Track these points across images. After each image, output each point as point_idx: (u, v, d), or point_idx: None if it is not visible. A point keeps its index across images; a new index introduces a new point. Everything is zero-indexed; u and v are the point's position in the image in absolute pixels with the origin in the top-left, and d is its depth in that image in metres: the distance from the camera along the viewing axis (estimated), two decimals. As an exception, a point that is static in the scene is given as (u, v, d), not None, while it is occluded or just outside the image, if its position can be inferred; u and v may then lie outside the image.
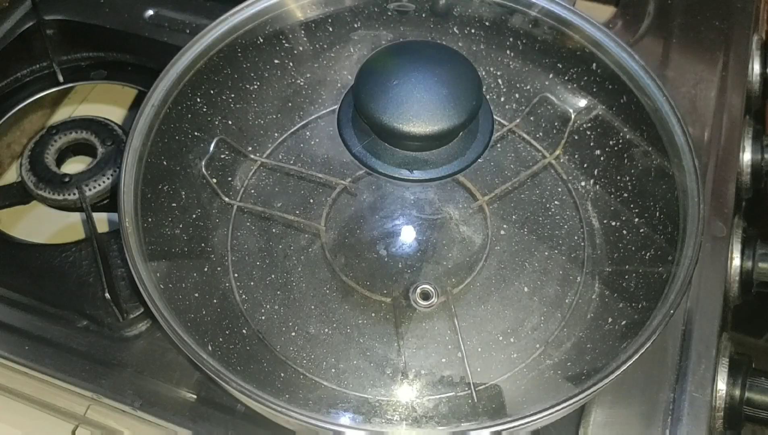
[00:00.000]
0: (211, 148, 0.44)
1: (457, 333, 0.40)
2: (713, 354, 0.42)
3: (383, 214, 0.43)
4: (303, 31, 0.47)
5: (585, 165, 0.46)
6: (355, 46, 0.48)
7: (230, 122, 0.47)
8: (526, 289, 0.42)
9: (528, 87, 0.47)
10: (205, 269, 0.43)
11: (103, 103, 0.61)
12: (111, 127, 0.55)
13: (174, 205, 0.43)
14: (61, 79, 0.59)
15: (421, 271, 0.42)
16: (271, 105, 0.48)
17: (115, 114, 0.58)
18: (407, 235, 0.43)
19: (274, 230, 0.45)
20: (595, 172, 0.45)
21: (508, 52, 0.47)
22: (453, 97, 0.34)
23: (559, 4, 0.44)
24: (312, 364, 0.41)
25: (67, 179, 0.52)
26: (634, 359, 0.34)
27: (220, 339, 0.39)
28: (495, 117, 0.39)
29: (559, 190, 0.45)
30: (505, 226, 0.44)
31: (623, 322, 0.39)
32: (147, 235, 0.39)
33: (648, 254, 0.41)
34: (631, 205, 0.44)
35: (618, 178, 0.44)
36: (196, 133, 0.45)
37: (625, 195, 0.44)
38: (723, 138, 0.52)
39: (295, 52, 0.48)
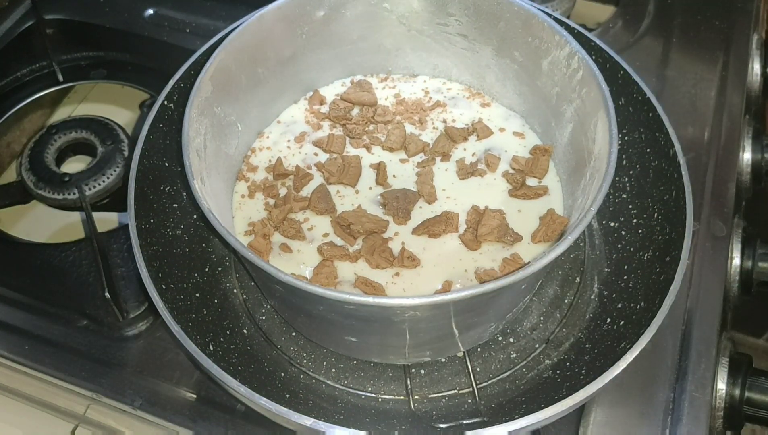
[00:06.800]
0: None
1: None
2: (713, 354, 0.42)
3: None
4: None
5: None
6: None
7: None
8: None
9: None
10: (206, 269, 0.43)
11: (102, 102, 0.61)
12: (111, 126, 0.55)
13: (176, 205, 0.43)
14: (60, 78, 0.59)
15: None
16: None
17: (115, 113, 0.58)
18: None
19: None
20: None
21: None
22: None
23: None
24: (312, 363, 0.41)
25: (67, 179, 0.52)
26: (633, 359, 0.34)
27: (221, 339, 0.39)
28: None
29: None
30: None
31: (622, 322, 0.39)
32: (150, 236, 0.39)
33: (646, 255, 0.41)
34: (630, 206, 0.44)
35: (618, 178, 0.44)
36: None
37: (624, 195, 0.44)
38: (723, 138, 0.52)
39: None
